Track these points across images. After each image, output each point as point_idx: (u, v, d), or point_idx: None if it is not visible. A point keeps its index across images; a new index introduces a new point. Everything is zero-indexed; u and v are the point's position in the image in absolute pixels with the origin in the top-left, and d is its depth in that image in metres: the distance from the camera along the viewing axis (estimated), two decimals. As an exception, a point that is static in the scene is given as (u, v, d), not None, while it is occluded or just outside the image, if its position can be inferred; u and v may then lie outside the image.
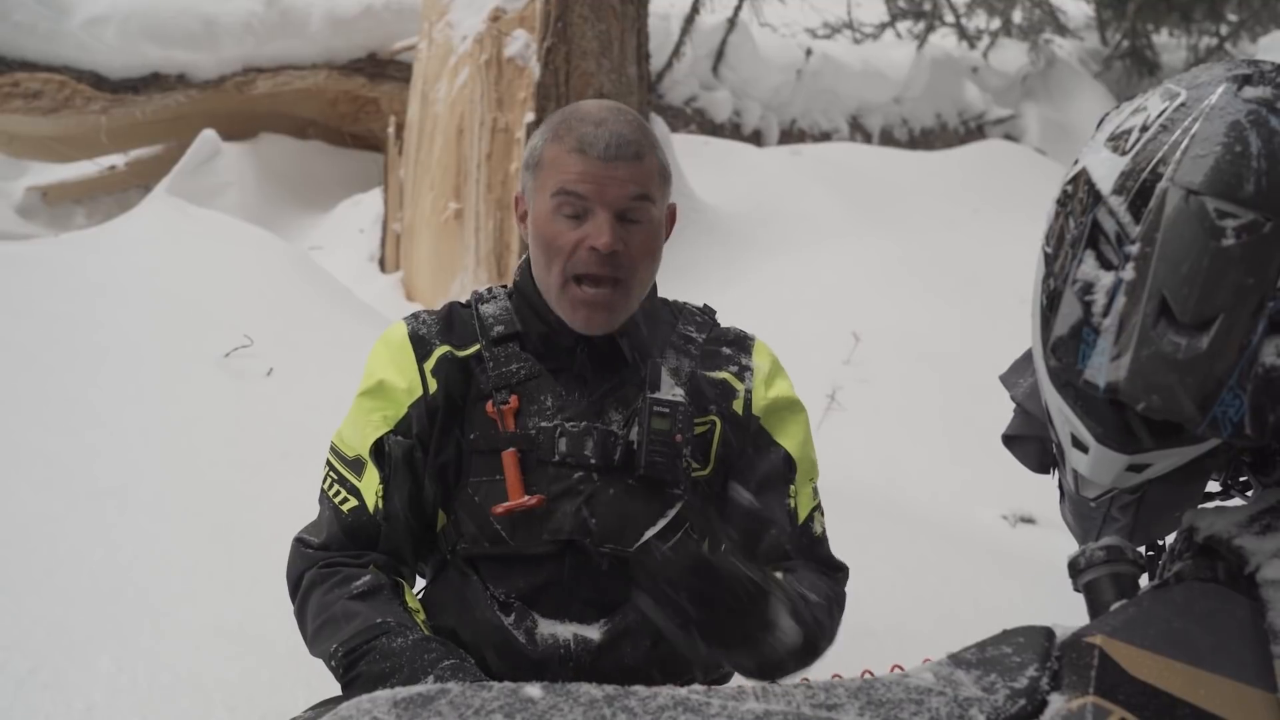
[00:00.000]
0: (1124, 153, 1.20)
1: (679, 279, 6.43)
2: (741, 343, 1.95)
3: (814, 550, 1.87)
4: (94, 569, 2.66)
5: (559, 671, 1.71)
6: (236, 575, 2.69)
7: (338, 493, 1.82)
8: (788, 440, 1.88)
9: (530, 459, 1.77)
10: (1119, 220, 1.18)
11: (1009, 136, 12.77)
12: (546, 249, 1.75)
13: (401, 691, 1.09)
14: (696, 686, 1.14)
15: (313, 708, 1.80)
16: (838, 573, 1.90)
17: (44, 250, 4.72)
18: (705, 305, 2.00)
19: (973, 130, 13.15)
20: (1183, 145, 1.15)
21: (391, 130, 7.75)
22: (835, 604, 1.81)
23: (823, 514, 1.92)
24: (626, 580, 1.77)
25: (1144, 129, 1.20)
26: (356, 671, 1.63)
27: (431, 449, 1.81)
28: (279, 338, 3.91)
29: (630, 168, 1.73)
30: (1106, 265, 1.19)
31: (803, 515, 1.87)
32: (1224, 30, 14.22)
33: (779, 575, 1.74)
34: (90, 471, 3.05)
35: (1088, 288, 1.20)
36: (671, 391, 1.79)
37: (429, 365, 1.82)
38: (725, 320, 2.01)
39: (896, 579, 3.40)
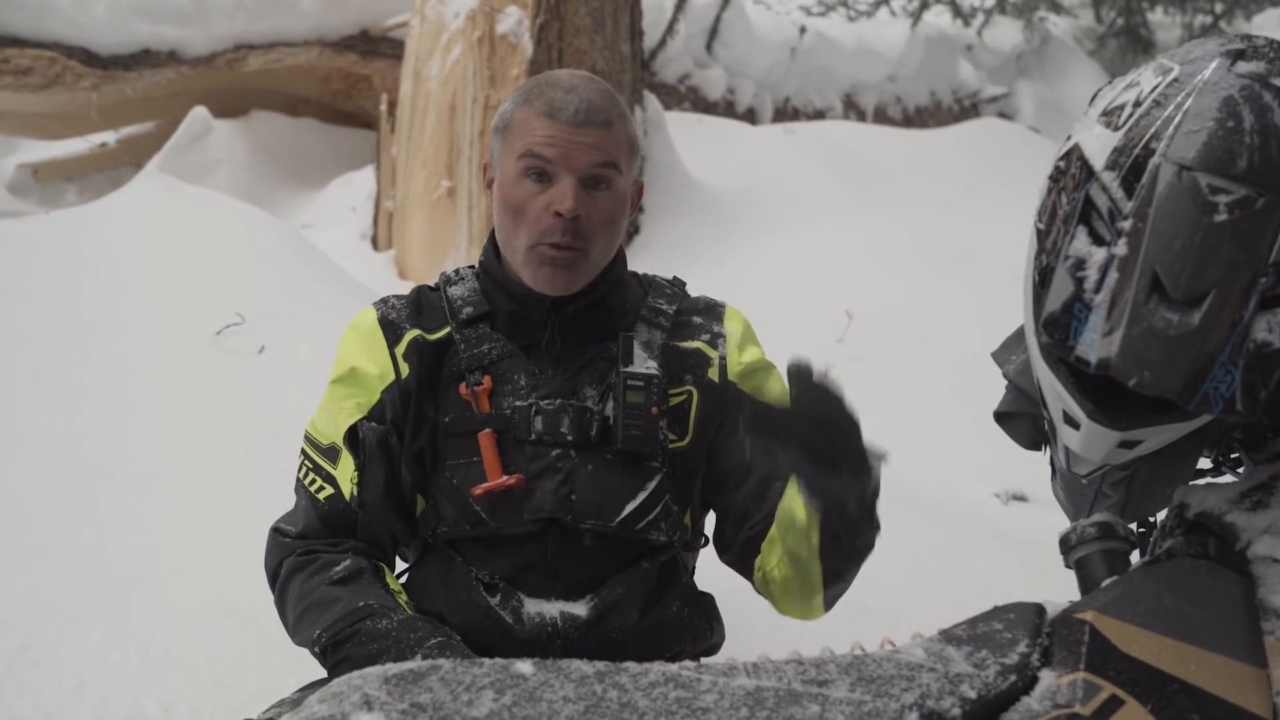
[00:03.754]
0: (1117, 128, 1.20)
1: (672, 256, 6.44)
2: (712, 310, 1.93)
3: None
4: (85, 546, 2.66)
5: (547, 649, 1.71)
6: (228, 552, 2.69)
7: (313, 481, 1.81)
8: (769, 395, 1.86)
9: (507, 439, 1.76)
10: (1111, 196, 1.17)
11: (1003, 114, 12.73)
12: (512, 212, 1.75)
13: (393, 668, 1.09)
14: (687, 663, 1.14)
15: (301, 688, 1.79)
16: None
17: (35, 228, 4.71)
18: (675, 277, 1.99)
19: (967, 108, 13.11)
20: (1175, 120, 1.15)
21: (384, 108, 7.72)
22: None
23: None
24: (610, 556, 1.78)
25: (1137, 104, 1.20)
26: (343, 654, 1.63)
27: (406, 434, 1.80)
28: (271, 316, 3.91)
29: (598, 134, 1.72)
30: (1099, 241, 1.19)
31: None
32: (1219, 8, 14.19)
33: None
34: (81, 449, 3.04)
35: (1080, 264, 1.19)
36: (645, 364, 1.79)
37: (400, 350, 1.82)
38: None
39: (889, 556, 3.38)
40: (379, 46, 9.48)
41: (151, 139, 9.27)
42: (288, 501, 1.89)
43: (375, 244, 7.41)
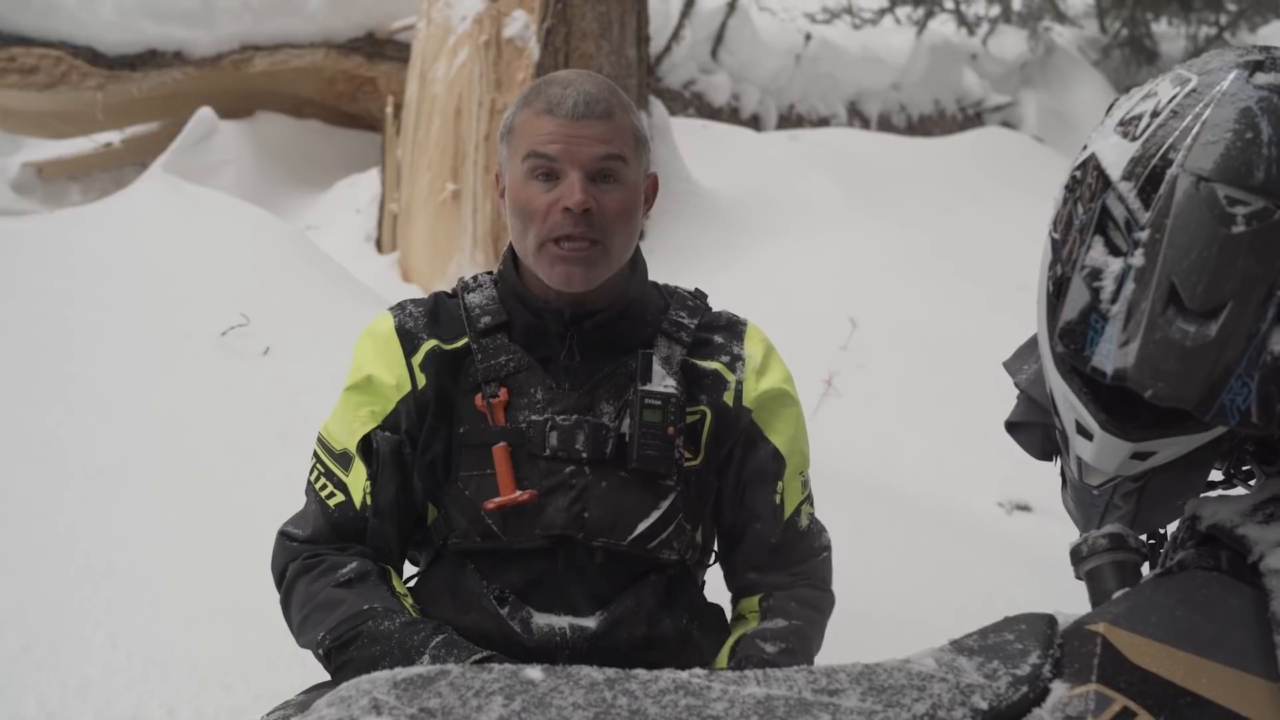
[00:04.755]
0: (1134, 138, 1.20)
1: (676, 261, 6.44)
2: (733, 329, 1.91)
3: (798, 543, 1.88)
4: (89, 546, 2.66)
5: (555, 659, 1.69)
6: (232, 554, 2.68)
7: (324, 486, 1.80)
8: (777, 435, 1.87)
9: (521, 453, 1.75)
10: (1128, 206, 1.17)
11: (1007, 124, 12.75)
12: (521, 214, 1.74)
13: (401, 672, 1.08)
14: (698, 670, 1.13)
15: (306, 690, 1.79)
16: (820, 556, 1.91)
17: (39, 227, 4.71)
18: (697, 289, 1.97)
19: (971, 117, 13.13)
20: (1193, 131, 1.15)
21: (389, 110, 7.73)
22: (818, 611, 1.86)
23: (811, 504, 1.92)
24: (620, 573, 1.77)
25: (1154, 114, 1.20)
26: (346, 657, 1.62)
27: (420, 444, 1.80)
28: (275, 317, 3.90)
29: (600, 126, 1.71)
30: (1115, 251, 1.19)
31: (789, 510, 1.87)
32: (1223, 20, 14.22)
33: (760, 617, 1.82)
34: (85, 449, 3.04)
35: (1096, 274, 1.19)
36: (663, 382, 1.77)
37: (417, 360, 1.80)
38: (721, 306, 1.99)
39: (892, 565, 3.40)
40: (385, 49, 9.51)
41: (157, 139, 9.30)
42: (292, 503, 1.88)
43: (379, 246, 7.42)
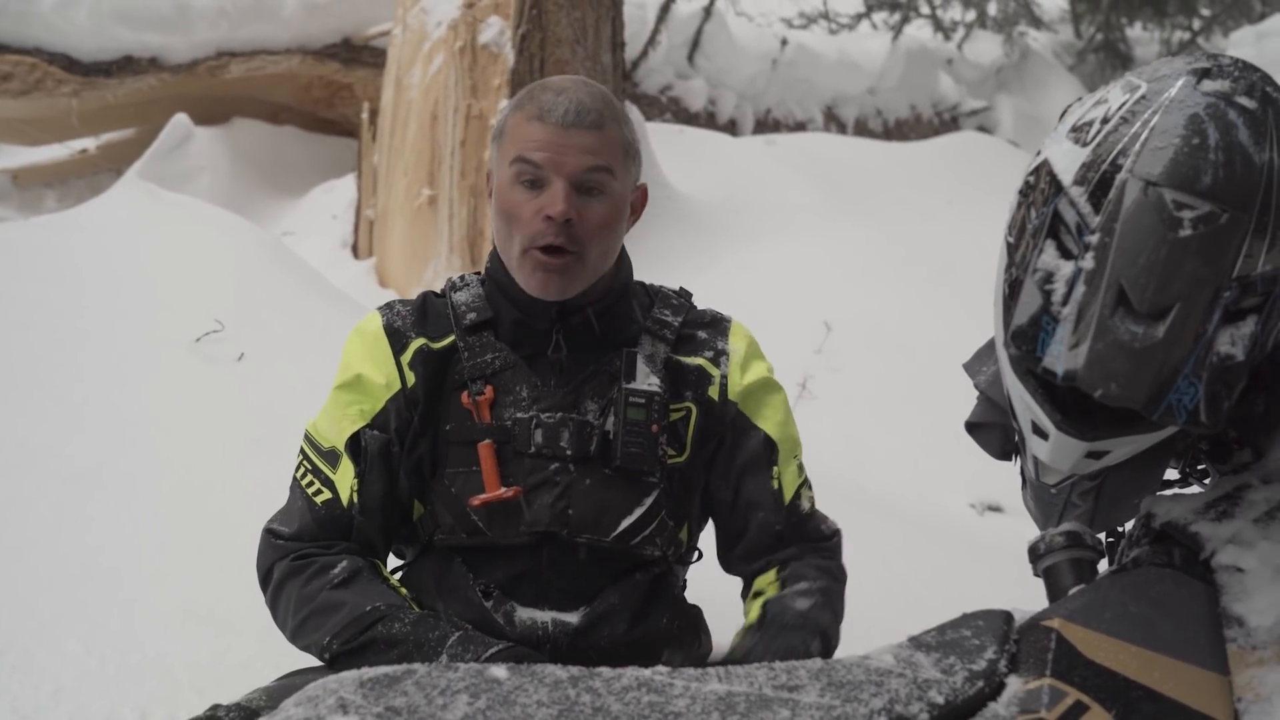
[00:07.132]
0: (1085, 144, 1.22)
1: (653, 265, 6.44)
2: (718, 325, 1.93)
3: (804, 526, 1.88)
4: (63, 552, 2.66)
5: (537, 652, 1.72)
6: (206, 559, 2.69)
7: (311, 483, 1.81)
8: (766, 421, 1.88)
9: (506, 450, 1.76)
10: (1079, 211, 1.19)
11: (982, 128, 12.78)
12: (506, 218, 1.75)
13: (368, 672, 1.10)
14: (660, 668, 1.15)
15: (279, 678, 1.78)
16: (831, 540, 1.92)
17: (14, 234, 4.69)
18: (681, 288, 1.98)
19: (947, 122, 13.17)
20: (1142, 137, 1.17)
21: (365, 116, 7.71)
22: (835, 579, 1.85)
23: (810, 488, 1.92)
24: (603, 569, 1.79)
25: (1105, 121, 1.22)
26: (363, 663, 1.61)
27: (408, 442, 1.81)
28: (250, 323, 3.90)
29: (589, 136, 1.71)
30: (1066, 255, 1.21)
31: (789, 494, 1.87)
32: (1197, 25, 14.31)
33: (780, 586, 1.81)
34: (60, 455, 3.04)
35: (1048, 277, 1.21)
36: (647, 381, 1.79)
37: (405, 358, 1.81)
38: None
39: (865, 566, 3.40)
40: (361, 55, 9.48)
41: (132, 145, 9.25)
42: (266, 507, 1.88)
43: (356, 252, 7.41)
